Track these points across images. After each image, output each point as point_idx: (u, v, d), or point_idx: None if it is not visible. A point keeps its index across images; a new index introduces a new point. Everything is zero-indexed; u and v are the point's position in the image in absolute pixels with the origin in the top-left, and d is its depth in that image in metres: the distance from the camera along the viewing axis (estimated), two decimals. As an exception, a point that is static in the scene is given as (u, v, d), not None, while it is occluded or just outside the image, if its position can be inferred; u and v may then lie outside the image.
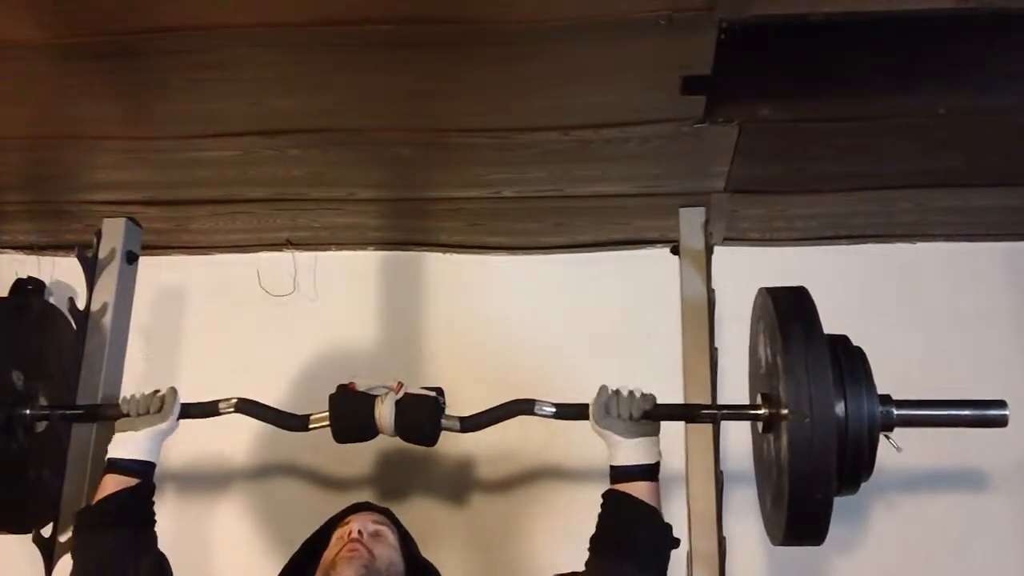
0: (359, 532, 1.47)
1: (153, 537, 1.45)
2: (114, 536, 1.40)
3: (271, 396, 2.07)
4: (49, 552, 1.62)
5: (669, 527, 1.37)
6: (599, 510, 1.38)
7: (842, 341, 1.37)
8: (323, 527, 1.57)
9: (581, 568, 1.35)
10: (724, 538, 1.56)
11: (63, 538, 1.63)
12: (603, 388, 1.43)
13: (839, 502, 1.28)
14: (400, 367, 2.18)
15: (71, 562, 1.44)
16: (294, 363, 2.22)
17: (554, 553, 2.03)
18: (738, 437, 1.66)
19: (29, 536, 1.60)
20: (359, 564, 1.42)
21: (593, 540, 1.36)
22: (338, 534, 1.50)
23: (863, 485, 1.35)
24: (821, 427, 1.22)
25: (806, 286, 1.38)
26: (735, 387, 1.65)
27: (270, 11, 1.37)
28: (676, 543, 1.38)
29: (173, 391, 1.51)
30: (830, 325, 1.37)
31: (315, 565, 1.48)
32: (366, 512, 1.56)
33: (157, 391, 1.51)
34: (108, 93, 1.64)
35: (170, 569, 1.44)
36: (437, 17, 1.37)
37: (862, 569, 2.00)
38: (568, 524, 2.00)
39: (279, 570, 1.54)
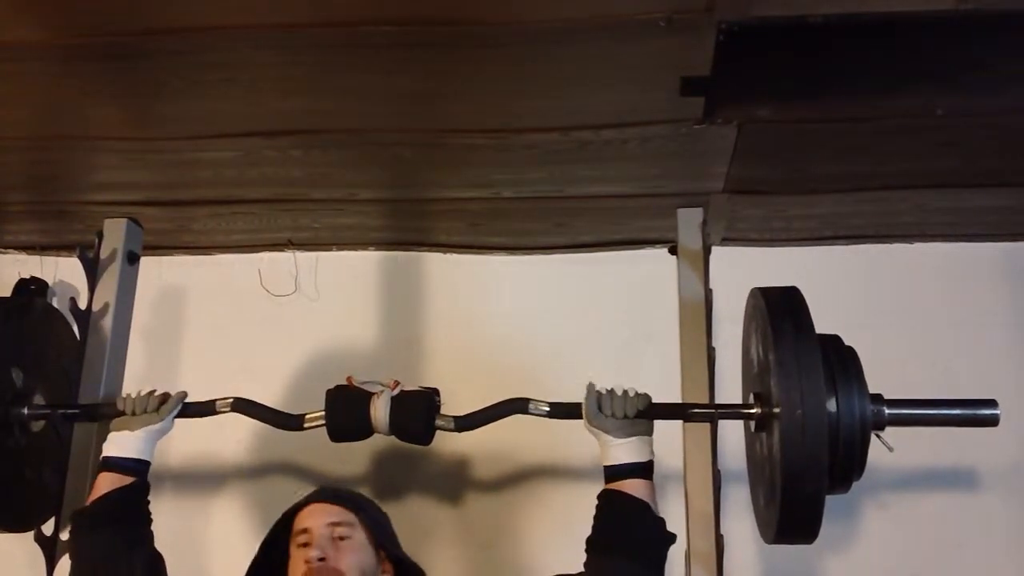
0: (319, 557, 1.37)
1: (148, 535, 1.45)
2: (108, 534, 1.39)
3: (272, 396, 2.09)
4: (51, 551, 1.63)
5: (663, 522, 1.37)
6: (594, 511, 1.38)
7: (833, 340, 1.37)
8: (278, 525, 1.48)
9: (579, 569, 1.35)
10: (722, 536, 1.56)
11: (64, 537, 1.63)
12: (590, 386, 1.43)
13: (834, 501, 1.29)
14: (400, 367, 2.18)
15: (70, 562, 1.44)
16: (295, 363, 2.23)
17: (550, 552, 2.03)
18: (735, 436, 1.66)
19: (30, 535, 1.61)
20: None
21: (589, 540, 1.36)
22: (297, 544, 1.42)
23: (857, 484, 1.35)
24: (812, 426, 1.22)
25: (804, 286, 1.38)
26: (734, 387, 1.65)
27: (271, 12, 1.38)
28: (672, 538, 1.38)
29: (178, 396, 1.50)
30: (828, 325, 1.37)
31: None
32: (324, 505, 1.45)
33: (153, 391, 1.50)
34: (109, 94, 1.65)
35: (165, 570, 1.43)
36: (437, 18, 1.38)
37: (857, 568, 2.01)
38: (564, 523, 2.01)
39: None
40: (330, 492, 1.51)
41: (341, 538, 1.42)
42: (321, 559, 1.38)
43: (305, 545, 1.41)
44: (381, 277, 2.30)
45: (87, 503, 1.45)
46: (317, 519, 1.43)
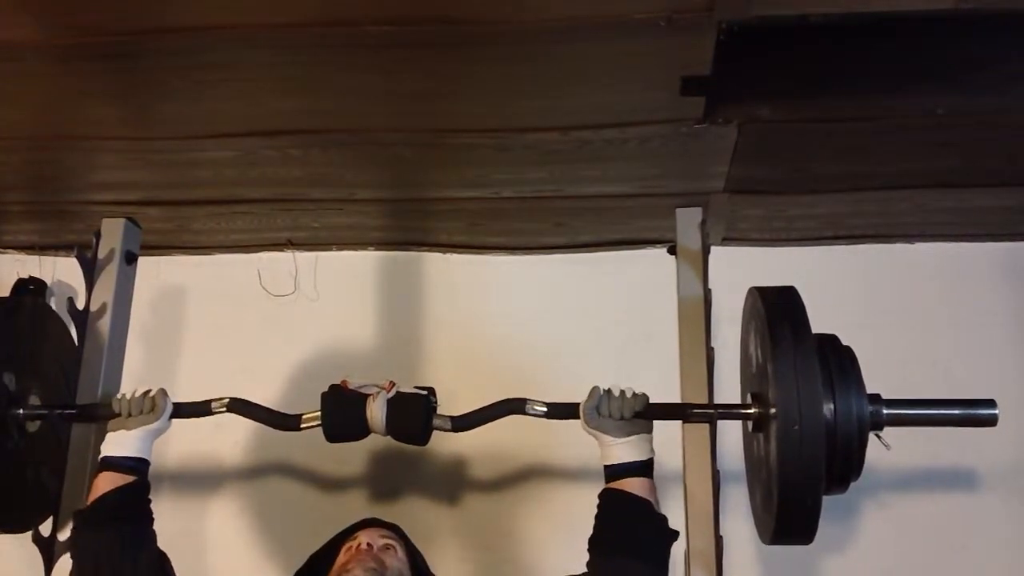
0: (368, 544, 1.48)
1: (151, 534, 1.45)
2: (110, 533, 1.39)
3: (271, 396, 2.09)
4: (49, 552, 1.62)
5: (665, 519, 1.37)
6: (596, 510, 1.38)
7: (831, 340, 1.37)
8: (330, 542, 1.57)
9: (582, 570, 1.34)
10: (721, 537, 1.56)
11: (62, 537, 1.63)
12: (594, 389, 1.42)
13: (833, 501, 1.28)
14: (400, 367, 2.18)
15: (71, 562, 1.44)
16: (294, 363, 2.23)
17: (548, 552, 2.03)
18: (735, 436, 1.66)
19: (28, 536, 1.60)
20: (371, 568, 1.42)
21: (592, 540, 1.36)
22: (347, 547, 1.51)
23: (856, 484, 1.35)
24: (809, 426, 1.22)
25: (805, 286, 1.38)
26: (733, 387, 1.65)
27: (270, 11, 1.38)
28: (675, 535, 1.38)
29: (163, 392, 1.51)
30: (828, 325, 1.37)
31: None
32: (375, 527, 1.56)
33: (148, 391, 1.50)
34: (109, 93, 1.65)
35: (171, 568, 1.44)
36: (437, 18, 1.38)
37: (856, 568, 2.01)
38: (563, 523, 2.02)
39: (273, 569, 1.54)
40: (379, 520, 1.61)
41: (387, 547, 1.50)
42: (368, 545, 1.47)
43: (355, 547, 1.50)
44: (381, 277, 2.30)
45: (87, 503, 1.45)
46: (368, 535, 1.52)
